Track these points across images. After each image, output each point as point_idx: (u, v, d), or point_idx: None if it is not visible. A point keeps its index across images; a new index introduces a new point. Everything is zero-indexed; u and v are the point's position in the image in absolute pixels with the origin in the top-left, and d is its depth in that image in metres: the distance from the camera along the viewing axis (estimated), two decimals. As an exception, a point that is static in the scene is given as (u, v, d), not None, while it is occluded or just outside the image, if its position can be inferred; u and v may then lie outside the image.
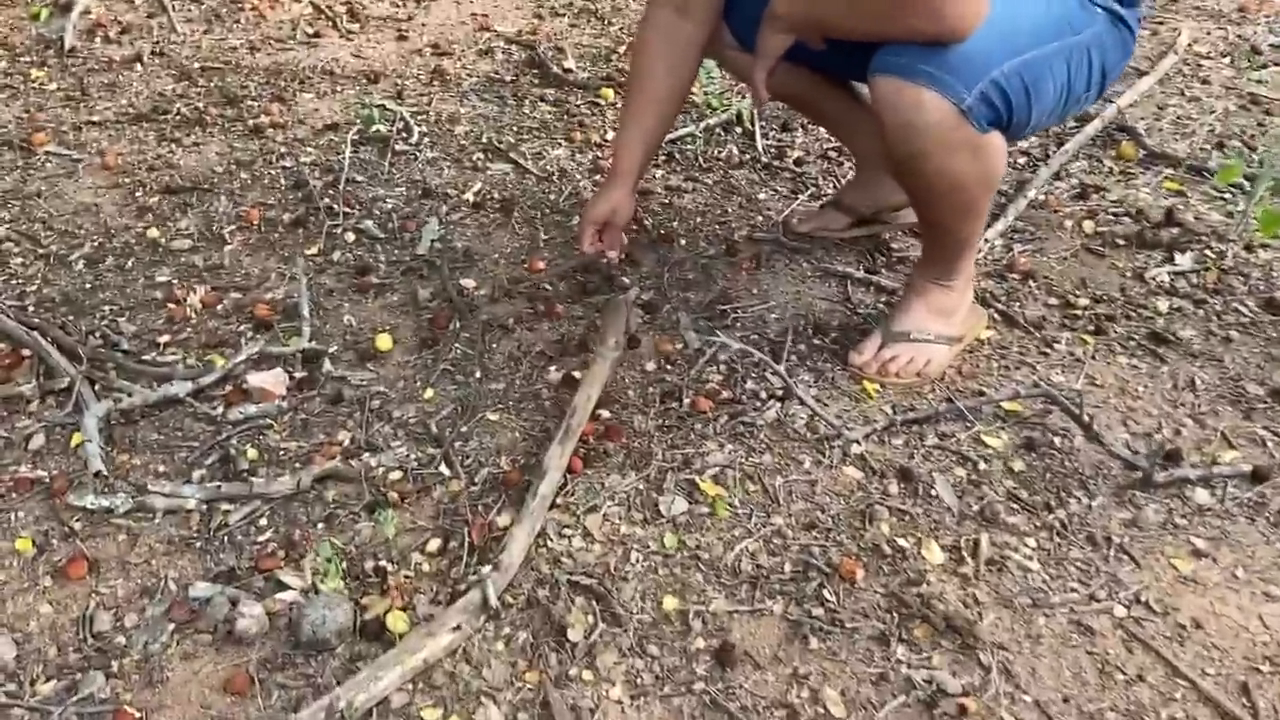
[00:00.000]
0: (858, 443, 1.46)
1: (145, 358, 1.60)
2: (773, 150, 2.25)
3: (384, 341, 1.64)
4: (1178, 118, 2.40)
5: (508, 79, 2.58)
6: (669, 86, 1.63)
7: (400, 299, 1.76)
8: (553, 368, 1.61)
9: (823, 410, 1.50)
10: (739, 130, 2.32)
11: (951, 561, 1.29)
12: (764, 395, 1.54)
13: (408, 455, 1.44)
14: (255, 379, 1.54)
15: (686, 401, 1.53)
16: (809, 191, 2.09)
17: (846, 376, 1.59)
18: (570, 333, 1.68)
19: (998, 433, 1.49)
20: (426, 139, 2.27)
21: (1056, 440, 1.47)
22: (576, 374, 1.58)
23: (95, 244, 1.89)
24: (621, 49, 2.73)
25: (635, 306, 1.73)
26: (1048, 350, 1.66)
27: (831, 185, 2.13)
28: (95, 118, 2.32)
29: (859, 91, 1.81)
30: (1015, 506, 1.37)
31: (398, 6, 2.98)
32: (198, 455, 1.43)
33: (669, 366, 1.62)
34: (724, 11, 1.65)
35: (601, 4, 3.05)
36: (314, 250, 1.88)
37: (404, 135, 2.26)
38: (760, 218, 2.01)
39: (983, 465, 1.43)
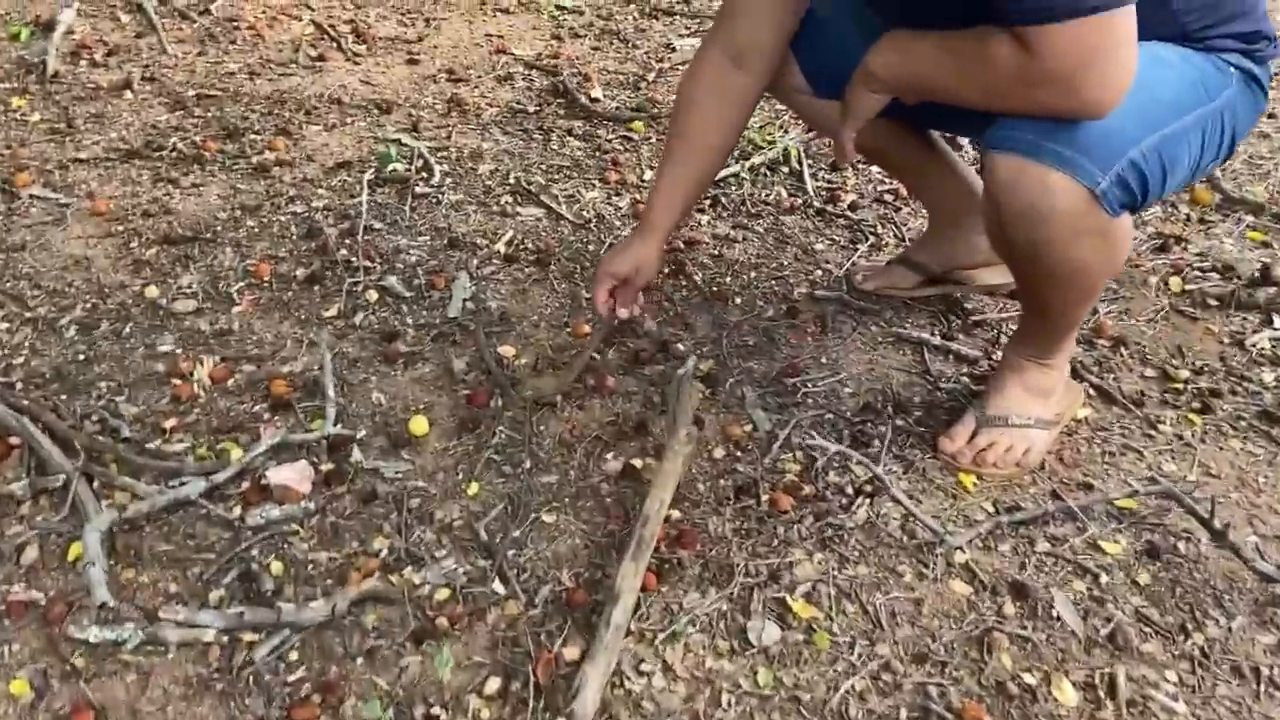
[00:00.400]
0: (961, 549, 1.30)
1: (150, 446, 1.42)
2: (823, 193, 2.09)
3: (419, 425, 1.47)
4: (1250, 157, 2.25)
5: (531, 109, 2.40)
6: (715, 139, 1.46)
7: (433, 370, 1.59)
8: (610, 455, 1.44)
9: (918, 510, 1.33)
10: (785, 170, 2.16)
11: (1088, 703, 1.13)
12: (850, 491, 1.38)
13: (455, 569, 1.26)
14: (277, 475, 1.36)
15: (764, 499, 1.37)
16: (868, 241, 1.93)
17: (938, 466, 1.43)
18: (626, 412, 1.52)
19: (1114, 536, 1.33)
20: (449, 179, 2.10)
21: (1181, 545, 1.32)
22: (637, 463, 1.41)
23: (88, 305, 1.70)
24: (650, 75, 2.56)
25: (694, 379, 1.56)
26: (1152, 432, 1.51)
27: (891, 233, 1.97)
28: (83, 154, 2.13)
29: (935, 140, 1.65)
30: (1147, 630, 1.21)
31: (406, 25, 2.80)
32: (215, 571, 1.25)
33: (739, 453, 1.45)
34: (794, 47, 1.48)
35: (623, 25, 2.88)
36: (333, 312, 1.70)
37: (424, 175, 2.09)
38: (819, 272, 1.85)
39: (1104, 577, 1.27)
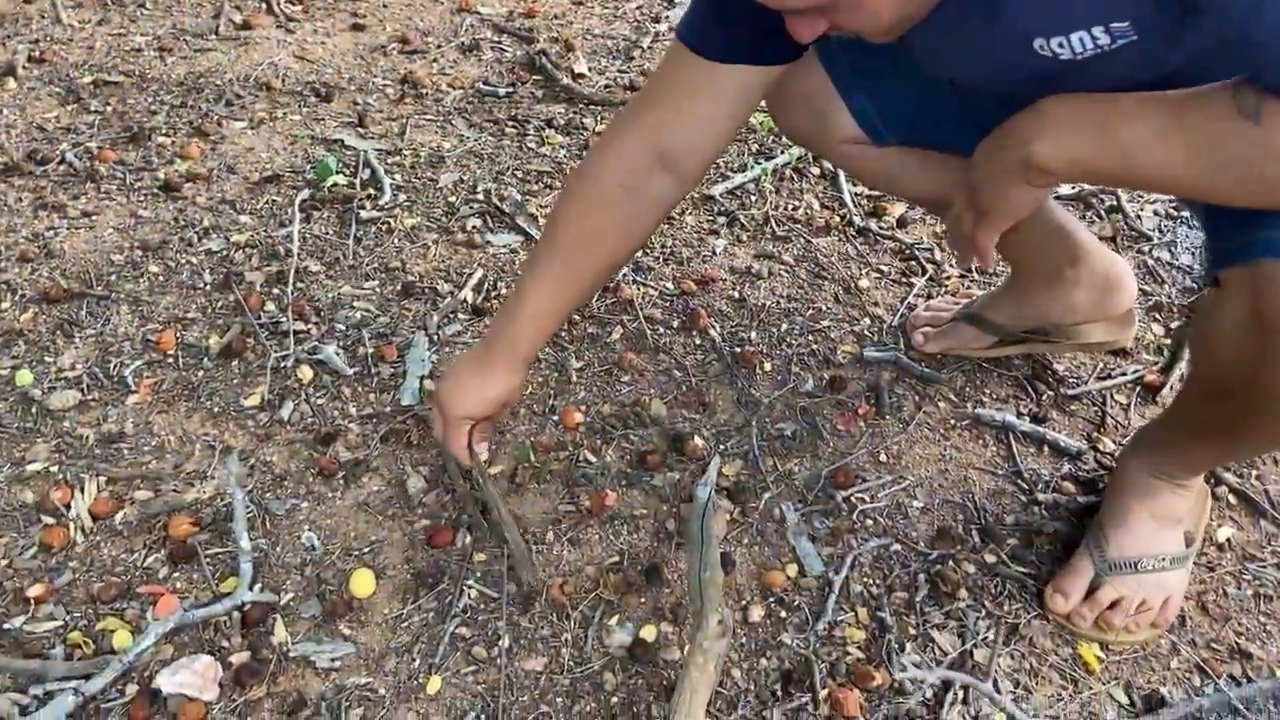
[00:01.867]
0: (1093, 774, 0.97)
1: (8, 626, 1.07)
2: (864, 202, 1.70)
3: (363, 582, 1.11)
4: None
5: (502, 91, 1.98)
6: (618, 250, 1.07)
7: (381, 489, 1.23)
8: (614, 620, 1.10)
9: (1024, 716, 1.00)
10: (816, 172, 1.76)
11: None
12: (935, 681, 1.04)
13: (411, 829, 0.93)
14: (172, 680, 1.02)
15: (822, 696, 1.03)
16: (925, 274, 1.55)
17: (1047, 630, 1.09)
18: (633, 547, 1.17)
19: (1291, 738, 1.00)
20: (402, 195, 1.70)
21: (1382, 751, 0.99)
22: (650, 633, 1.07)
23: (-61, 402, 1.32)
24: (645, 41, 2.13)
25: (718, 492, 1.21)
26: (1317, 558, 1.17)
27: (951, 260, 1.59)
28: (-53, 173, 1.72)
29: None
30: None
31: (350, -22, 2.34)
32: (82, 846, 0.92)
33: (783, 613, 1.11)
34: (839, 82, 1.09)
35: (610, -29, 2.43)
36: (254, 400, 1.33)
37: (371, 194, 1.68)
38: (867, 319, 1.48)
39: (1287, 812, 0.95)
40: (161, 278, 1.52)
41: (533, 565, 1.12)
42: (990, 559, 1.15)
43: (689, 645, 0.99)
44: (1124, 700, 1.03)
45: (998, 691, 1.01)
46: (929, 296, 1.50)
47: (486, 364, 1.10)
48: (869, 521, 1.20)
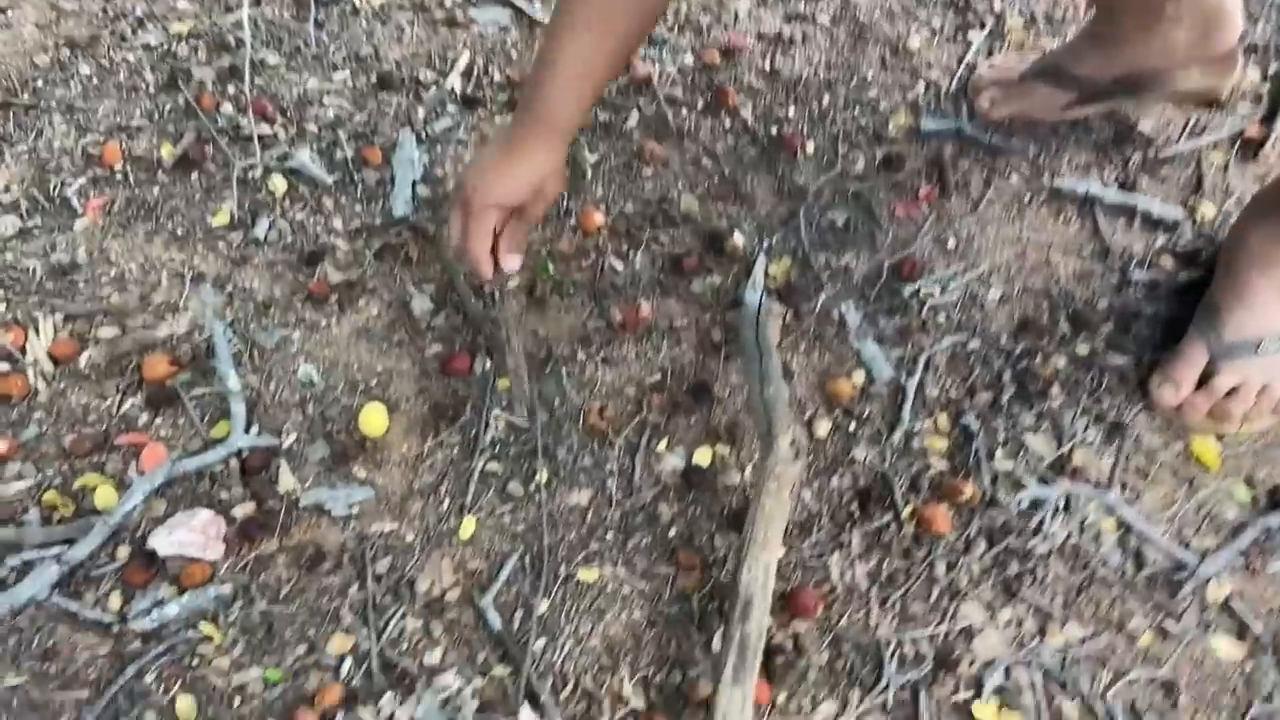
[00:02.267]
0: (1217, 580, 0.86)
1: (-28, 491, 0.94)
2: (907, -56, 1.45)
3: (373, 419, 0.97)
4: None
5: None
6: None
7: (383, 312, 1.07)
8: (663, 444, 0.97)
9: (1139, 518, 0.89)
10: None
11: None
12: (1029, 497, 0.92)
13: (460, 688, 0.83)
14: (168, 539, 0.89)
15: (905, 513, 0.91)
16: (984, 27, 1.34)
17: (1154, 425, 0.97)
18: (676, 362, 1.02)
19: None
20: (365, -31, 1.44)
21: None
22: (704, 456, 0.95)
23: None
24: None
25: (768, 295, 1.06)
26: None
27: (1016, 8, 1.37)
28: None
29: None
30: None
31: None
32: (91, 729, 0.82)
33: (852, 425, 0.98)
34: None
35: None
36: (223, 219, 1.15)
37: (329, -32, 1.43)
38: (921, 85, 1.28)
39: None
40: (96, 80, 1.30)
41: (533, 414, 0.96)
42: (1083, 350, 1.02)
43: (756, 470, 0.86)
44: (1245, 497, 0.92)
45: (1107, 492, 0.89)
46: (990, 54, 1.30)
47: (519, 140, 0.90)
48: (941, 317, 1.05)
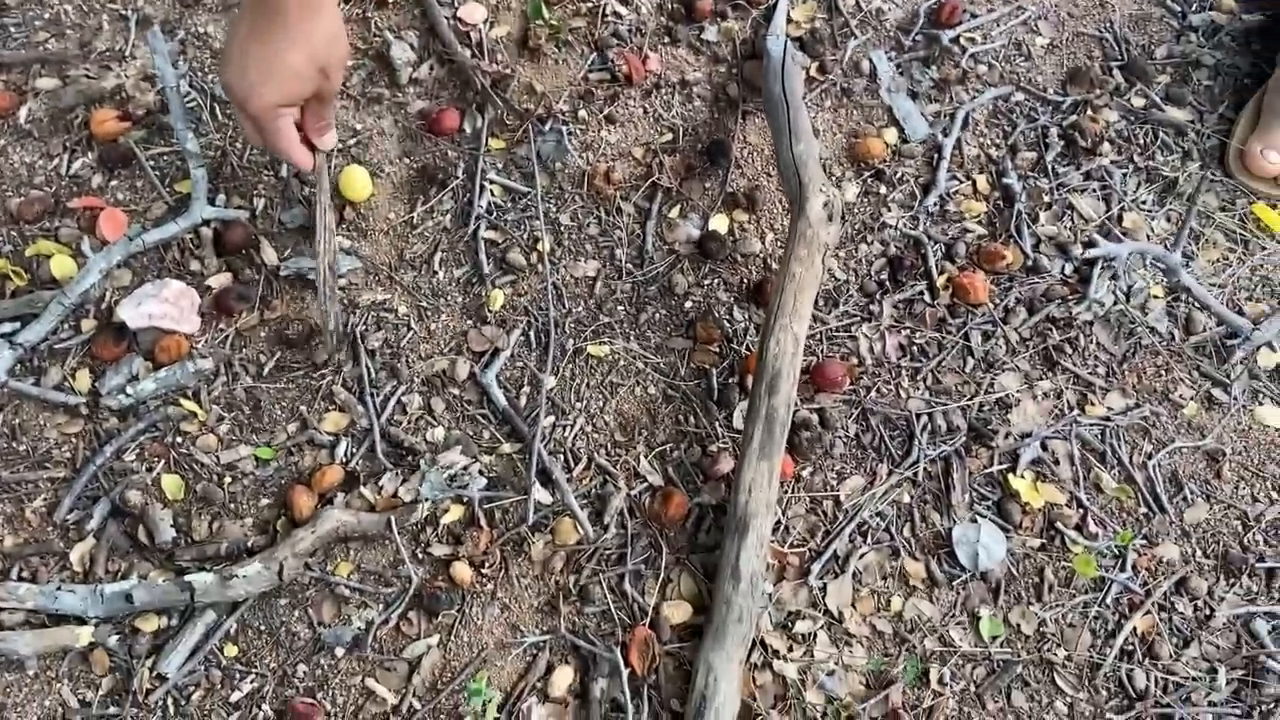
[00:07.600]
0: (1269, 346, 0.81)
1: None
2: None
3: (355, 183, 0.88)
4: None
5: None
6: None
7: (355, 62, 0.95)
8: (674, 213, 0.88)
9: (1192, 280, 0.82)
10: None
11: None
12: (1077, 252, 0.85)
13: (465, 467, 0.78)
14: (137, 310, 0.82)
15: (939, 281, 0.84)
16: None
17: (1211, 183, 0.89)
18: (687, 118, 0.92)
19: None
20: None
21: None
22: (721, 222, 0.87)
23: None
24: None
25: (791, 42, 0.94)
26: None
27: None
28: None
29: None
30: None
31: None
32: (68, 509, 0.76)
33: (882, 189, 0.90)
34: None
35: None
36: (167, -46, 1.00)
37: None
38: None
39: None
40: None
41: (337, 336, 0.80)
42: (1138, 102, 0.92)
43: (782, 236, 0.78)
44: (1306, 263, 0.86)
45: (1172, 252, 0.82)
46: None
47: (274, 13, 0.66)
48: (982, 68, 0.95)
